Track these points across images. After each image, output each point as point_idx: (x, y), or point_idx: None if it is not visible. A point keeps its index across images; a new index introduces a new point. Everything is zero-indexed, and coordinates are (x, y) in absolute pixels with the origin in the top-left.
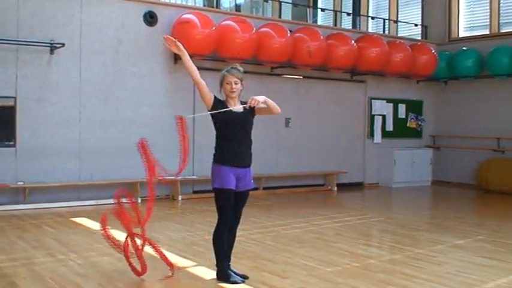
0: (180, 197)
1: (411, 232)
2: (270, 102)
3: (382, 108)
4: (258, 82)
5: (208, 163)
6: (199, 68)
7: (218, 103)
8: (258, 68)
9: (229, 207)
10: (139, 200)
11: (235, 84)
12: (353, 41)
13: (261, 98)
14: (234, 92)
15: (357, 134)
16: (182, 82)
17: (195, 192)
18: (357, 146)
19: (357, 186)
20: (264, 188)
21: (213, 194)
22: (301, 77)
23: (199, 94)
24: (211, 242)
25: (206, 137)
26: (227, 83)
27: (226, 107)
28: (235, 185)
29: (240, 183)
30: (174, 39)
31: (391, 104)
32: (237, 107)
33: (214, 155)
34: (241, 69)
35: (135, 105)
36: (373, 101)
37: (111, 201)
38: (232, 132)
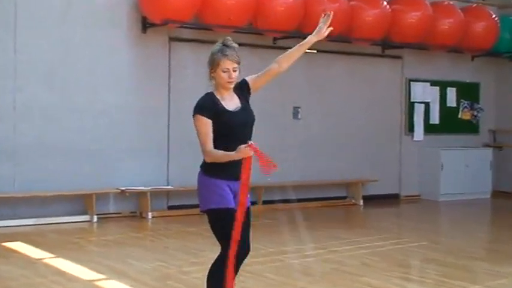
0: (150, 214)
1: (464, 261)
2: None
3: (424, 93)
4: (255, 58)
5: (189, 168)
6: (175, 40)
7: (211, 111)
8: (255, 39)
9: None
10: (95, 219)
11: (234, 71)
12: (385, 3)
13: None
14: (232, 82)
15: (390, 128)
16: (153, 57)
17: (170, 207)
18: (391, 145)
19: (391, 199)
20: (264, 202)
21: (195, 211)
22: (315, 52)
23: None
24: (208, 280)
25: (184, 132)
26: (224, 71)
27: (219, 105)
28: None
29: (234, 200)
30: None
31: (437, 88)
32: (233, 101)
33: (206, 165)
34: (236, 45)
35: (90, 89)
36: (412, 83)
37: (57, 219)
38: (231, 138)
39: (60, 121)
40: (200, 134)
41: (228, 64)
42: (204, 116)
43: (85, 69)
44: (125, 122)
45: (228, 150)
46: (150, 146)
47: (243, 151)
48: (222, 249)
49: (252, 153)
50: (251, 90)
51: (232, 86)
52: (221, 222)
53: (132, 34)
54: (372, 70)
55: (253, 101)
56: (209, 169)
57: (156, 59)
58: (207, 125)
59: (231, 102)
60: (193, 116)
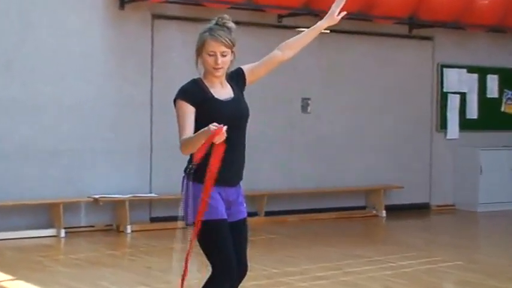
0: (129, 228)
1: (507, 285)
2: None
3: (460, 82)
4: (256, 40)
5: (176, 173)
6: (159, 17)
7: (196, 97)
8: (257, 16)
9: (230, 247)
10: (63, 233)
11: (223, 56)
12: None
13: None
14: (219, 69)
15: (418, 124)
16: (133, 38)
17: (153, 219)
18: (419, 144)
19: (420, 209)
20: (267, 214)
21: (182, 224)
22: (328, 32)
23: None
24: None
25: (171, 129)
26: (209, 54)
27: (208, 92)
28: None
29: (230, 210)
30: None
31: (475, 76)
32: (225, 90)
33: (190, 168)
34: (232, 26)
35: (55, 79)
36: (445, 70)
37: (17, 234)
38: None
39: (20, 117)
40: (179, 122)
41: (214, 46)
42: (188, 102)
43: (50, 55)
44: (99, 117)
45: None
46: (129, 146)
47: (214, 130)
48: (213, 268)
49: (224, 137)
50: (246, 81)
51: (219, 73)
52: (212, 237)
53: (107, 11)
54: (396, 54)
55: (252, 90)
56: (195, 173)
57: (136, 41)
58: (188, 112)
59: (222, 91)
60: (174, 101)
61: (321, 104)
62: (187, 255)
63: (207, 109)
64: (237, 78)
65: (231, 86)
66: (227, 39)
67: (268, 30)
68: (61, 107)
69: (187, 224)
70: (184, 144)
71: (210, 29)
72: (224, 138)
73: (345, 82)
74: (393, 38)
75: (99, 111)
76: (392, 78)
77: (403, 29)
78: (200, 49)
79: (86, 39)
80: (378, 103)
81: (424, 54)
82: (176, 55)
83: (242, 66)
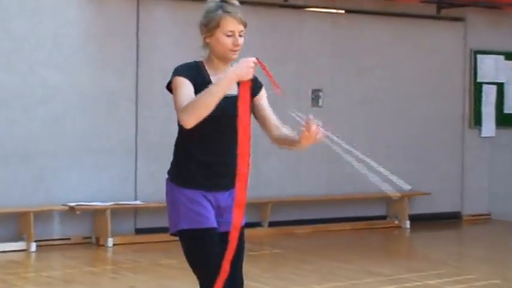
0: (110, 241)
1: None
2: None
3: (497, 70)
4: (260, 21)
5: (163, 180)
6: None
7: (199, 76)
8: None
9: (218, 260)
10: (33, 247)
11: (241, 36)
12: None
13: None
14: (237, 52)
15: (448, 120)
16: (115, 21)
17: (139, 231)
18: (449, 143)
19: (450, 219)
20: (271, 225)
21: (174, 237)
22: (343, 12)
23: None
24: None
25: (159, 126)
26: (228, 35)
27: (207, 76)
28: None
29: (223, 217)
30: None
31: None
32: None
33: (174, 168)
34: (236, 2)
35: (24, 68)
36: (479, 56)
37: None
38: (217, 131)
39: None
40: (176, 94)
41: (232, 25)
42: (185, 77)
43: (17, 40)
44: (76, 113)
45: (206, 141)
46: (110, 146)
47: (245, 65)
48: (200, 285)
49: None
50: (256, 97)
51: (236, 56)
52: (197, 249)
53: None
54: (423, 38)
55: None
56: (180, 175)
57: (118, 23)
58: (188, 86)
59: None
60: (170, 81)
61: (334, 96)
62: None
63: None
64: (254, 84)
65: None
66: (243, 17)
67: (273, 10)
68: (30, 101)
69: (170, 234)
70: (193, 107)
71: (222, 6)
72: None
73: (363, 71)
74: (419, 19)
75: (75, 106)
76: (417, 66)
77: (431, 9)
78: (213, 29)
79: (59, 21)
80: (401, 95)
81: (454, 38)
82: (165, 40)
83: (262, 88)
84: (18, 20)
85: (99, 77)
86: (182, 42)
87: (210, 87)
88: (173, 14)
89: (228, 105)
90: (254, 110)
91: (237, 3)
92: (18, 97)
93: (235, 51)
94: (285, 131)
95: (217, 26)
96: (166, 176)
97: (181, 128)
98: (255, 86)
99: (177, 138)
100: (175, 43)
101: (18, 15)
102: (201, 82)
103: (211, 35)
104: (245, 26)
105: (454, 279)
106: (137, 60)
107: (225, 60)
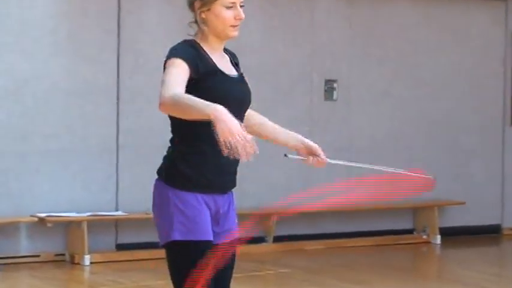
0: (87, 258)
1: None
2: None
3: None
4: (267, 1)
5: (149, 187)
6: None
7: (197, 60)
8: None
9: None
10: None
11: (241, 6)
12: None
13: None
14: (237, 27)
15: (486, 117)
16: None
17: (120, 247)
18: (487, 144)
19: (488, 234)
20: (277, 240)
21: (164, 253)
22: None
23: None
24: None
25: (144, 125)
26: (228, 7)
27: (213, 64)
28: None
29: (218, 226)
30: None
31: None
32: (225, 64)
33: (171, 168)
34: None
35: None
36: None
37: None
38: None
39: None
40: (167, 73)
41: None
42: (186, 62)
43: None
44: (45, 107)
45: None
46: (88, 148)
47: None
48: None
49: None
50: None
51: (236, 32)
52: (186, 263)
53: None
54: (456, 20)
55: (258, 70)
56: (173, 174)
57: (97, 3)
58: (183, 69)
59: (225, 64)
60: (166, 62)
61: (351, 88)
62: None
63: (210, 85)
64: (236, 63)
65: (230, 59)
66: None
67: None
68: None
69: (160, 245)
70: (173, 102)
71: None
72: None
73: (385, 59)
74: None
75: (45, 99)
76: (450, 53)
77: None
78: (210, 2)
79: (29, 1)
80: (429, 87)
81: (493, 20)
82: (152, 21)
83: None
84: None
85: (74, 64)
86: (170, 20)
87: (199, 102)
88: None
89: (238, 90)
90: None
91: None
92: None
93: (236, 26)
94: (264, 123)
95: None
96: (156, 178)
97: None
98: (238, 65)
99: (172, 130)
100: (166, 27)
101: None
102: (203, 65)
103: (208, 9)
104: None
105: None
106: (118, 43)
107: (223, 37)
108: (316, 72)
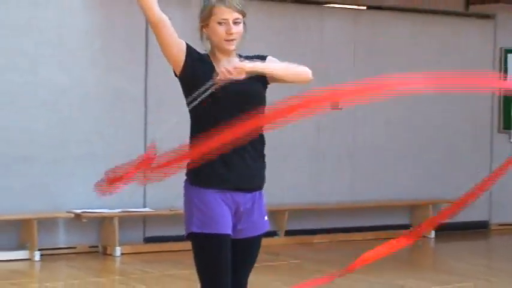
0: (118, 250)
1: None
2: (279, 69)
3: None
4: (273, 18)
5: (176, 184)
6: None
7: (197, 60)
8: None
9: (225, 270)
10: (37, 256)
11: (236, 24)
12: None
13: (253, 66)
14: (232, 40)
15: (475, 124)
16: (123, 16)
17: (148, 240)
18: (477, 149)
19: (477, 229)
20: (288, 233)
21: (187, 245)
22: (364, 8)
23: (159, 43)
24: None
25: (169, 130)
26: (219, 23)
27: (213, 68)
28: (233, 227)
29: (241, 223)
30: None
31: None
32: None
33: (187, 166)
34: None
35: (25, 67)
36: (510, 56)
37: None
38: (227, 122)
39: None
40: None
41: (225, 12)
42: (186, 44)
43: (18, 36)
44: (81, 115)
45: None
46: (117, 150)
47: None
48: None
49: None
50: (267, 78)
51: (232, 45)
52: (203, 255)
53: None
54: (450, 36)
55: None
56: (196, 174)
57: (127, 20)
58: (181, 42)
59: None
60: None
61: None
62: None
63: (205, 83)
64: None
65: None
66: (240, 4)
67: (289, 6)
68: (32, 103)
69: (184, 237)
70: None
71: None
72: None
73: (386, 70)
74: (445, 16)
75: (79, 108)
76: (443, 65)
77: (458, 5)
78: (206, 18)
79: (62, 17)
80: (426, 97)
81: (483, 37)
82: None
83: (267, 56)
84: (19, 15)
85: (106, 76)
86: (195, 40)
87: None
88: (186, 8)
89: (235, 88)
90: (273, 78)
91: None
92: (20, 98)
93: (230, 40)
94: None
95: (211, 14)
96: (178, 181)
97: (195, 119)
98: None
99: (191, 129)
100: (187, 37)
101: (19, 9)
102: (203, 67)
103: (207, 25)
104: (242, 14)
105: None
106: (146, 57)
107: (223, 51)
108: (324, 83)
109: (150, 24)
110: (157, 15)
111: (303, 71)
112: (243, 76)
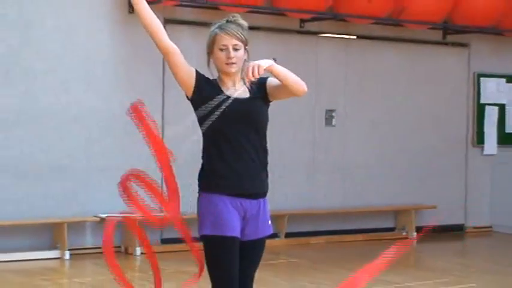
0: (138, 250)
1: None
2: (283, 71)
3: (498, 92)
4: (276, 47)
5: (186, 193)
6: (171, 22)
7: (205, 83)
8: (278, 21)
9: (233, 269)
10: (67, 255)
11: (235, 50)
12: None
13: (264, 63)
14: (232, 64)
15: (453, 139)
16: (143, 44)
17: (164, 241)
18: (453, 160)
19: (454, 231)
20: (288, 235)
21: (199, 245)
22: (354, 37)
23: (171, 70)
24: None
25: (182, 146)
26: (221, 49)
27: (219, 90)
28: (241, 231)
29: (248, 227)
30: None
31: None
32: (239, 90)
33: (200, 174)
34: (243, 23)
35: (59, 87)
36: (482, 79)
37: (18, 256)
38: (233, 135)
39: (19, 130)
40: None
41: (225, 39)
42: (197, 73)
43: (53, 61)
44: (106, 129)
45: (225, 147)
46: (137, 161)
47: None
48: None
49: None
50: (268, 93)
51: (233, 69)
52: (214, 255)
53: (116, 14)
54: (429, 63)
55: (272, 103)
56: (205, 179)
57: (146, 47)
58: (190, 67)
59: (234, 90)
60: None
61: (347, 116)
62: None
63: (220, 106)
64: (258, 85)
65: (249, 89)
66: (239, 32)
67: (289, 36)
68: (64, 119)
69: (200, 236)
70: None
71: (220, 25)
72: None
73: (374, 92)
74: (426, 44)
75: (105, 123)
76: (424, 88)
77: (437, 35)
78: (211, 46)
79: (92, 45)
80: (409, 115)
81: (459, 63)
82: (190, 62)
83: (268, 77)
84: (54, 44)
85: (129, 96)
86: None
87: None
88: (198, 37)
89: (246, 107)
90: (275, 94)
91: (242, 23)
92: (56, 115)
93: (230, 64)
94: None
95: (214, 41)
96: (190, 190)
97: (206, 134)
98: (259, 91)
99: (203, 143)
100: (200, 64)
101: (54, 39)
102: (210, 89)
103: (212, 51)
104: (242, 41)
105: (459, 287)
106: (163, 81)
107: (226, 74)
108: (318, 103)
109: (162, 53)
110: (166, 46)
111: (301, 81)
112: (262, 73)
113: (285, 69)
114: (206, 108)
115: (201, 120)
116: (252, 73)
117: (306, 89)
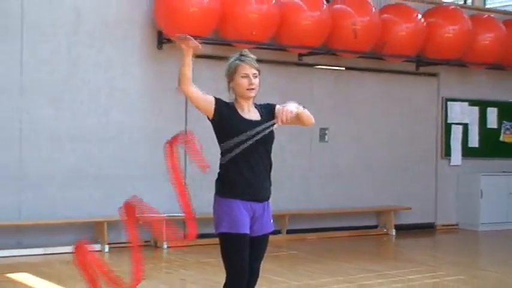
0: (165, 244)
1: None
2: (305, 112)
3: (462, 114)
4: (278, 77)
5: (206, 196)
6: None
7: (224, 106)
8: (279, 55)
9: (245, 260)
10: (106, 248)
11: (254, 77)
12: (420, 16)
13: (294, 108)
14: (253, 89)
15: (425, 152)
16: (169, 75)
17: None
18: (426, 170)
19: (426, 229)
20: (288, 232)
21: (215, 240)
22: (343, 69)
23: (191, 103)
24: None
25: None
26: (243, 76)
27: (236, 112)
28: (250, 228)
29: (255, 225)
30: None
31: (477, 108)
32: (253, 114)
33: (218, 183)
34: (253, 56)
35: (100, 111)
36: (449, 103)
37: (67, 249)
38: (247, 150)
39: (68, 145)
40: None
41: (246, 68)
42: (216, 101)
43: (95, 89)
44: (139, 145)
45: (239, 159)
46: (165, 171)
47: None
48: (227, 275)
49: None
50: (275, 117)
51: (253, 93)
52: (230, 250)
53: (147, 50)
54: (405, 89)
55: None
56: (222, 187)
57: (172, 77)
58: (209, 97)
59: (248, 114)
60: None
61: (337, 133)
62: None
63: (235, 125)
64: (268, 109)
65: (260, 112)
66: (256, 63)
67: (289, 68)
68: (104, 137)
69: (215, 234)
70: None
71: (239, 57)
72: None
73: (359, 114)
74: (402, 74)
75: (138, 140)
76: (401, 110)
77: (411, 66)
78: (232, 74)
79: (127, 76)
80: (388, 133)
81: (430, 89)
82: (208, 89)
83: (275, 104)
84: (97, 75)
85: (157, 118)
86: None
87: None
88: (213, 69)
89: (258, 127)
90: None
91: (253, 56)
92: (98, 133)
93: (251, 89)
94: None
95: (235, 71)
96: (207, 194)
97: (223, 148)
98: (268, 115)
99: (221, 156)
100: (217, 91)
101: (97, 71)
102: (229, 112)
103: (232, 80)
104: (258, 69)
105: (430, 275)
106: (186, 106)
107: (245, 98)
108: (314, 123)
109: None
110: (188, 90)
111: (311, 116)
112: (293, 115)
113: (305, 110)
114: (224, 129)
115: (221, 135)
116: (286, 117)
117: (314, 121)
